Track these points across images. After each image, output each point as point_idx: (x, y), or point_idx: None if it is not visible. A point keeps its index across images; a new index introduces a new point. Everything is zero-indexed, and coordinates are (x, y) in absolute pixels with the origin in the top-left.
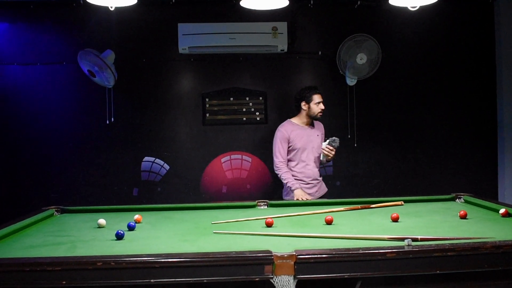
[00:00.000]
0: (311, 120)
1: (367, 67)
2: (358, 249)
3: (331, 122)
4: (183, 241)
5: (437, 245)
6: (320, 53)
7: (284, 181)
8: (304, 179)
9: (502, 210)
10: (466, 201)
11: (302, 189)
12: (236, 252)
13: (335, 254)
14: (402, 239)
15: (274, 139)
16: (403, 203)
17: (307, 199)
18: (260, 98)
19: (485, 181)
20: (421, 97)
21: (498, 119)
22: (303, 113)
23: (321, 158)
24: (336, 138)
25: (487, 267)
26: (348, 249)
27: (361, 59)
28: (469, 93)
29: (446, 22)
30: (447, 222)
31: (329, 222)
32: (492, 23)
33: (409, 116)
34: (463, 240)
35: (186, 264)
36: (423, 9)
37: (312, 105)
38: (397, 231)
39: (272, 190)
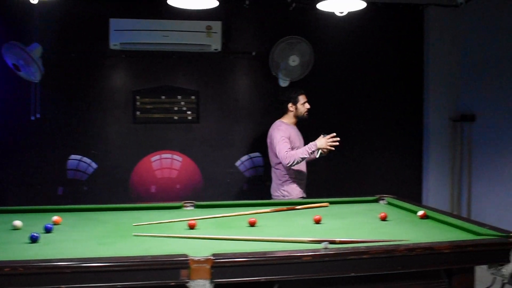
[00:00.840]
0: (297, 120)
1: (299, 69)
2: (275, 252)
3: (263, 122)
4: (101, 244)
5: (352, 248)
6: (254, 53)
7: (304, 154)
8: (300, 177)
9: (420, 212)
10: (389, 203)
11: (319, 140)
12: (152, 256)
13: (251, 257)
14: (322, 242)
15: (275, 137)
16: (328, 204)
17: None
18: (193, 97)
19: (411, 183)
20: (351, 100)
21: (424, 123)
22: (291, 114)
23: (316, 156)
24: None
25: (401, 269)
26: (265, 253)
27: (294, 61)
28: (397, 97)
29: (378, 27)
30: (368, 224)
31: (252, 224)
32: (422, 29)
33: (339, 118)
34: (378, 243)
35: (99, 269)
36: (356, 14)
37: (299, 105)
38: (319, 233)
39: (202, 190)
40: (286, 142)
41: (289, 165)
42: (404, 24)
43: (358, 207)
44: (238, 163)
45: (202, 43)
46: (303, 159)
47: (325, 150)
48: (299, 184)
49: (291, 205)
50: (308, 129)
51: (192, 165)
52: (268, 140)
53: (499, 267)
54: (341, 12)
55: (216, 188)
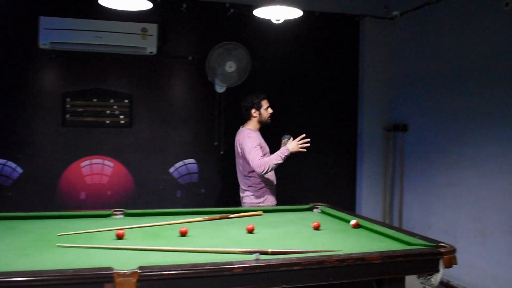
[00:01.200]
0: (261, 126)
1: (236, 75)
2: (205, 264)
3: (199, 128)
4: (21, 255)
5: (284, 259)
6: (190, 58)
7: (278, 160)
8: (272, 183)
9: (352, 222)
10: (323, 212)
11: (290, 143)
12: (74, 270)
13: (180, 270)
14: (253, 253)
15: (246, 145)
16: (262, 213)
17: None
18: (126, 100)
19: (345, 191)
20: (287, 108)
21: (358, 132)
22: (254, 120)
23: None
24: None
25: (333, 280)
26: (194, 265)
27: (230, 67)
28: (333, 106)
29: (316, 36)
30: (301, 234)
31: (183, 234)
32: (357, 40)
33: (273, 126)
34: (311, 253)
35: (15, 284)
36: (294, 22)
37: (262, 111)
38: (251, 243)
39: (134, 197)
40: (258, 150)
41: (263, 172)
42: (341, 34)
43: (292, 215)
44: (172, 169)
45: (137, 45)
46: (277, 165)
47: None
48: (272, 192)
49: (224, 213)
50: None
51: (124, 171)
52: (238, 149)
53: (429, 277)
54: (278, 20)
55: (149, 195)
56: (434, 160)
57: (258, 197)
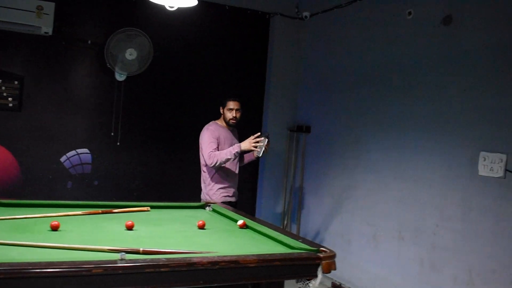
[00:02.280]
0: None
1: (137, 64)
2: (62, 263)
3: (95, 116)
4: None
5: (151, 259)
6: (89, 42)
7: (228, 156)
8: (228, 180)
9: (240, 222)
10: (214, 210)
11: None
12: None
13: (31, 269)
14: (124, 251)
15: (202, 137)
16: (149, 209)
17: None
18: (16, 82)
19: (247, 190)
20: (190, 101)
21: (262, 131)
22: (221, 117)
23: (256, 155)
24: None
25: (203, 283)
26: (50, 263)
27: (131, 54)
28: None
29: (225, 30)
30: (183, 233)
31: (54, 228)
32: (267, 37)
33: (178, 119)
34: (182, 254)
35: None
36: (203, 14)
37: (225, 110)
38: (127, 241)
39: (20, 186)
40: (213, 143)
41: (212, 165)
42: (251, 30)
43: (181, 213)
44: (63, 158)
45: (31, 23)
46: (227, 160)
47: (266, 148)
48: (224, 188)
49: (109, 207)
50: (144, 127)
51: (9, 158)
52: (200, 141)
53: (307, 281)
54: (171, 7)
55: (37, 185)
56: (333, 163)
57: (206, 193)
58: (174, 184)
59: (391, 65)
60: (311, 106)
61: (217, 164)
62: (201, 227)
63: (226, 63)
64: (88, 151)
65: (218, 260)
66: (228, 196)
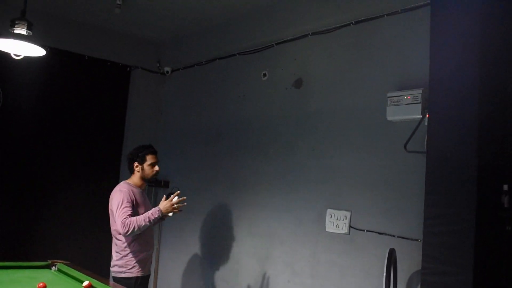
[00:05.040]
0: (145, 183)
1: None
2: None
3: None
4: None
5: None
6: None
7: (146, 222)
8: (148, 247)
9: (85, 283)
10: (60, 270)
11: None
12: None
13: None
14: None
15: (114, 201)
16: None
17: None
18: None
19: (102, 248)
20: (47, 153)
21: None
22: (137, 175)
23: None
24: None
25: None
26: None
27: None
28: (96, 154)
29: (84, 80)
30: None
31: None
32: (127, 89)
33: (30, 170)
34: None
35: None
36: (62, 64)
37: (145, 166)
38: None
39: None
40: (127, 207)
41: (127, 234)
42: (111, 81)
43: (23, 274)
44: None
45: None
46: (145, 227)
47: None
48: (143, 258)
49: None
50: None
51: None
52: (109, 206)
53: None
54: (18, 56)
55: None
56: (191, 219)
57: (121, 266)
58: (19, 241)
59: (247, 123)
60: (170, 161)
61: (133, 232)
62: None
63: (84, 113)
64: None
65: None
66: (149, 269)
